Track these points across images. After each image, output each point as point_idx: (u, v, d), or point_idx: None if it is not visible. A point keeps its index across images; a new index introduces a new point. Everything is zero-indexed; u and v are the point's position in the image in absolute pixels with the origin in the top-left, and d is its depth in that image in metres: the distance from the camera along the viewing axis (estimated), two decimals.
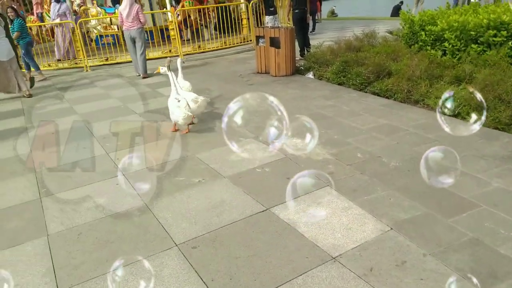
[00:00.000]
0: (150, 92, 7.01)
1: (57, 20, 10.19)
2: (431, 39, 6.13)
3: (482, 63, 5.18)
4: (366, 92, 5.85)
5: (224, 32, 11.04)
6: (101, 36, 11.86)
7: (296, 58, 7.63)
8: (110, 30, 12.10)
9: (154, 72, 7.84)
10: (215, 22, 11.49)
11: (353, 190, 3.14)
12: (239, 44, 11.05)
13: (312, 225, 2.71)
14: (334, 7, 22.00)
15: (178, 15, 11.06)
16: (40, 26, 11.42)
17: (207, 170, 3.71)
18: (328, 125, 4.57)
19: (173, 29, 10.04)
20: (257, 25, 10.89)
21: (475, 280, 2.09)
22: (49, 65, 10.27)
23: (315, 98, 5.74)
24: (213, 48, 10.69)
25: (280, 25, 9.56)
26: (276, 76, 7.28)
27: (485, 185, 3.06)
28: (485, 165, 3.36)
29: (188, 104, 4.50)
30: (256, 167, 3.67)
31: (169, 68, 4.70)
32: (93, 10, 12.08)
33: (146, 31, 9.37)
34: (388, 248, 2.43)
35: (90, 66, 9.80)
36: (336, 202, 2.98)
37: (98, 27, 12.05)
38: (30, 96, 7.40)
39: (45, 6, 12.48)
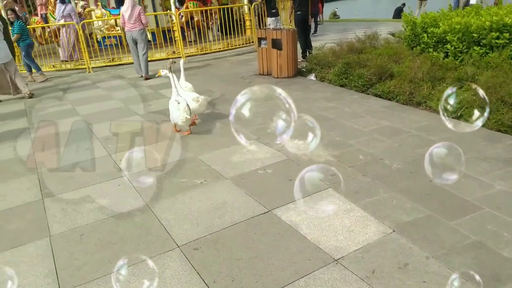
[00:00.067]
0: (152, 93, 7.02)
1: (62, 21, 10.22)
2: (433, 41, 6.13)
3: (485, 65, 5.17)
4: (368, 94, 5.84)
5: (227, 34, 11.07)
6: (103, 37, 11.90)
7: (298, 60, 7.63)
8: (113, 32, 12.13)
9: (156, 76, 7.85)
10: (218, 24, 11.51)
11: (355, 192, 3.13)
12: (241, 45, 11.07)
13: (314, 227, 2.71)
14: (336, 9, 22.02)
15: (182, 16, 11.08)
16: (43, 28, 11.44)
17: (209, 171, 3.71)
18: (330, 127, 4.57)
19: (176, 30, 10.07)
20: (259, 26, 10.91)
21: (478, 282, 2.07)
22: (53, 66, 10.32)
23: (317, 100, 5.74)
24: (216, 50, 10.72)
25: (282, 27, 9.58)
26: (278, 77, 7.28)
27: (488, 188, 3.05)
28: (488, 168, 3.36)
29: (188, 107, 4.49)
30: (258, 168, 3.67)
31: (170, 69, 4.70)
32: (98, 11, 12.12)
33: (150, 32, 9.33)
34: (391, 250, 2.43)
35: (92, 68, 9.82)
36: (338, 204, 2.97)
37: (102, 29, 12.08)
38: (31, 96, 7.42)
39: (50, 7, 12.50)
